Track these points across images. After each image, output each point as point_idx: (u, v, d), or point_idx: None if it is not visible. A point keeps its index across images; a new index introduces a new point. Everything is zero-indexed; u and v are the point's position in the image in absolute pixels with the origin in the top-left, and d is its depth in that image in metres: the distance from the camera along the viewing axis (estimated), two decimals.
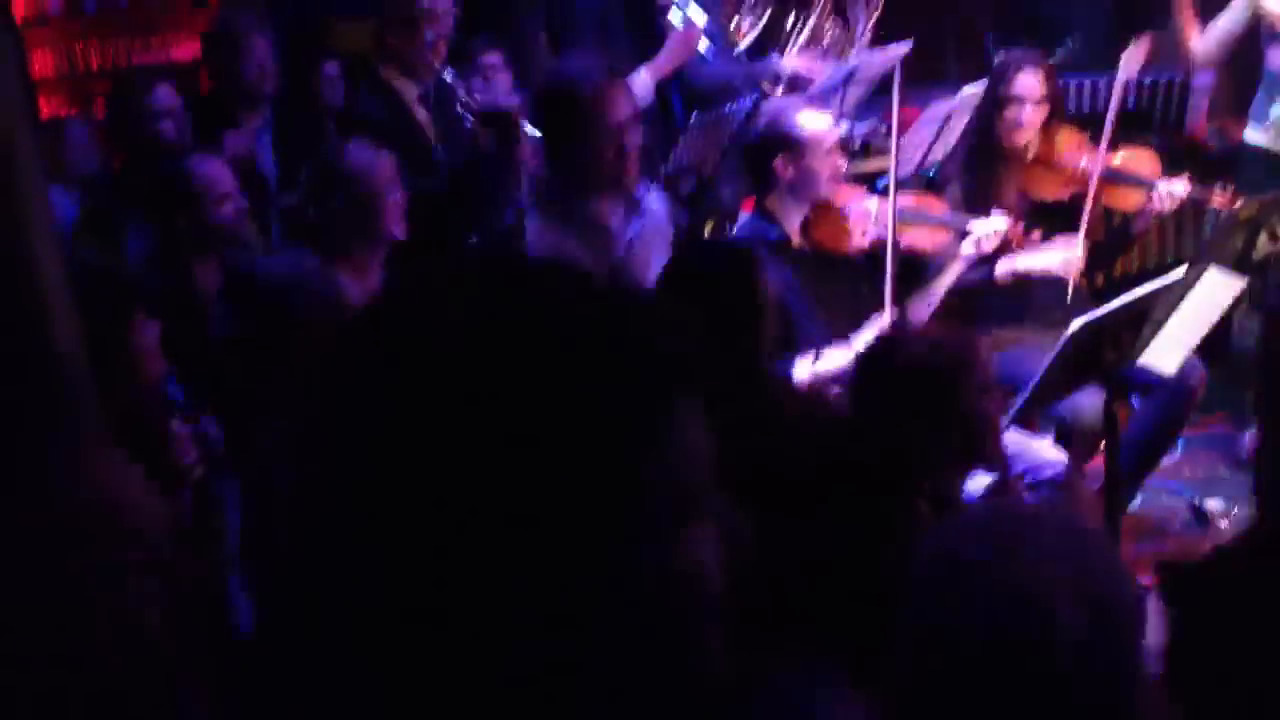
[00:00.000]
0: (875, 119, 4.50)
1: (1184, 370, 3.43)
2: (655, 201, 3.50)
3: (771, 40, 4.69)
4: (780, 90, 4.38)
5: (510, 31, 4.81)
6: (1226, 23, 4.20)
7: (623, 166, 3.23)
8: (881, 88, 4.17)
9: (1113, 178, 3.83)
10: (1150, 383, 3.50)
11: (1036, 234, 3.70)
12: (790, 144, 3.43)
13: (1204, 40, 4.20)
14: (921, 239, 3.70)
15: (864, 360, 2.50)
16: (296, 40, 4.42)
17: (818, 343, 3.30)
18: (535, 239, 3.19)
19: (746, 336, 2.54)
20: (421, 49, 3.80)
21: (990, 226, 3.62)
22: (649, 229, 3.41)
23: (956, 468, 2.41)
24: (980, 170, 3.82)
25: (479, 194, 3.66)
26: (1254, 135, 4.28)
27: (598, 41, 4.40)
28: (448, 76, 3.83)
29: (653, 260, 3.28)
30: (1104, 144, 3.80)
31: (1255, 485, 2.00)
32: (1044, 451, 3.48)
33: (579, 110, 3.16)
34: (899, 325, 3.07)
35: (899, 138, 3.71)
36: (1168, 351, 3.36)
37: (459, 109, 3.81)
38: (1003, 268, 3.68)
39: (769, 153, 3.46)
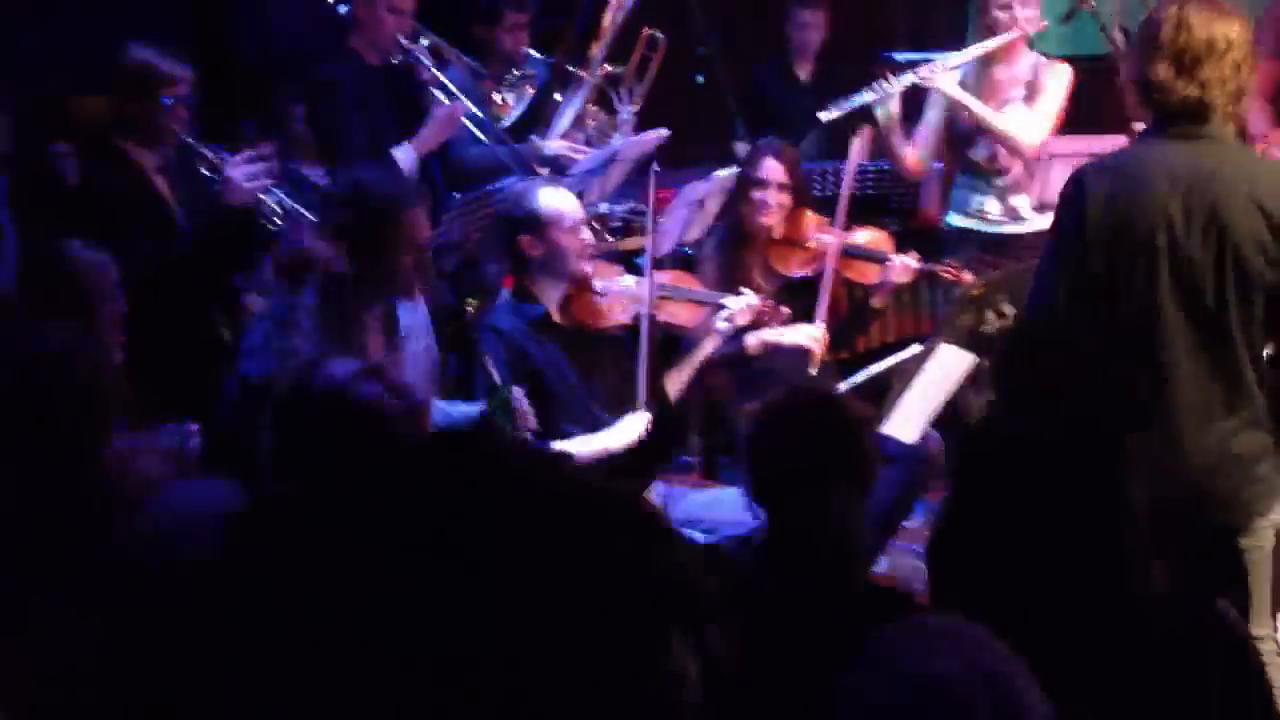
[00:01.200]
0: (634, 200, 4.64)
1: (923, 439, 3.64)
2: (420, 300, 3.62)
3: (537, 123, 4.79)
4: (545, 171, 4.47)
5: (268, 107, 4.77)
6: (926, 128, 4.44)
7: (416, 276, 3.41)
8: (640, 170, 4.31)
9: (850, 253, 4.08)
10: (891, 452, 3.69)
11: (786, 310, 3.89)
12: (532, 222, 3.52)
13: (914, 153, 4.42)
14: (679, 315, 3.84)
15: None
16: (31, 117, 4.28)
17: (584, 417, 3.37)
18: (311, 325, 3.20)
19: None
20: (159, 116, 3.71)
21: (743, 302, 3.78)
22: (416, 324, 3.52)
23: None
24: (731, 249, 4.03)
25: (223, 259, 3.65)
26: (958, 220, 4.52)
27: (359, 117, 4.41)
28: (189, 139, 3.77)
29: (420, 353, 3.39)
30: (839, 221, 4.06)
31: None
32: None
33: (392, 224, 3.29)
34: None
35: (656, 217, 3.87)
36: (907, 422, 3.57)
37: (205, 169, 3.76)
38: (752, 341, 3.86)
39: (513, 231, 3.55)
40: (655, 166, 3.83)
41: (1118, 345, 2.73)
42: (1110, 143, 3.86)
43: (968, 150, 4.43)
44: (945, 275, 4.16)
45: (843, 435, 2.28)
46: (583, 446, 3.31)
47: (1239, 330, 2.70)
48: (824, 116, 4.31)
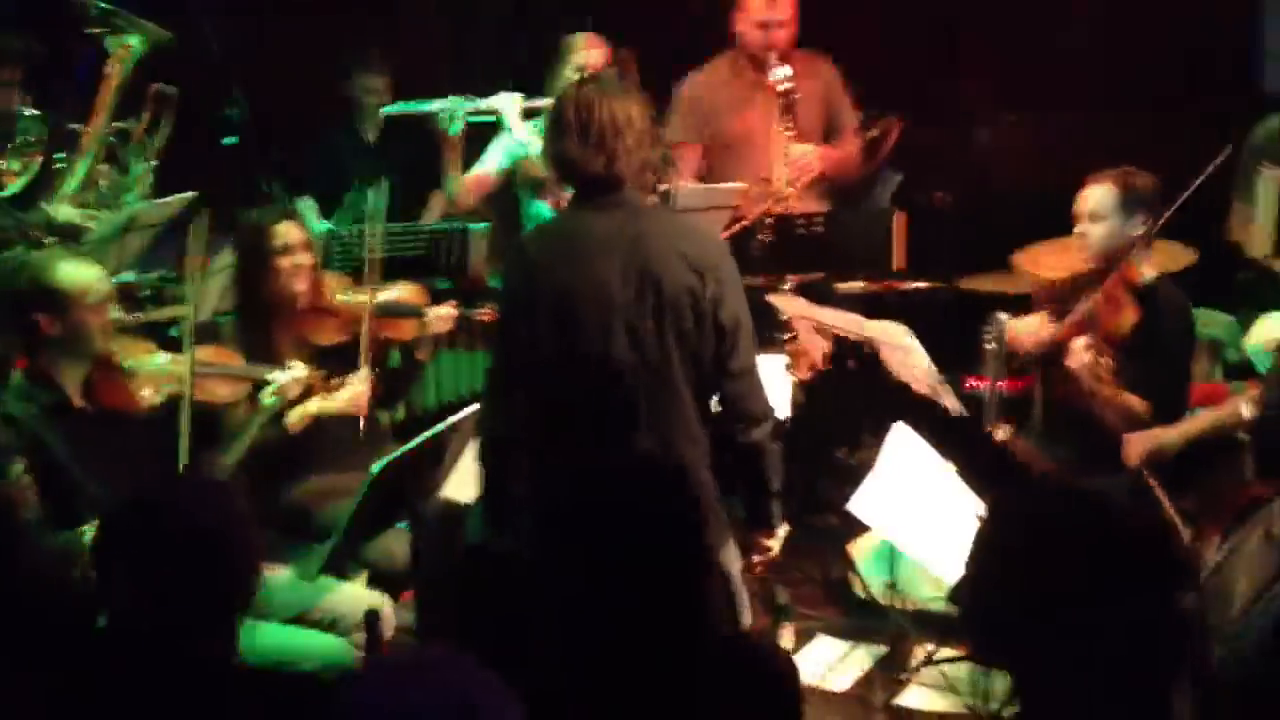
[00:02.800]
0: (166, 267, 4.34)
1: None
2: None
3: (44, 188, 4.38)
4: (50, 240, 4.09)
5: None
6: (483, 169, 4.61)
7: None
8: (171, 233, 4.05)
9: (384, 312, 3.97)
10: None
11: (335, 380, 3.73)
12: (50, 298, 3.20)
13: (467, 183, 4.56)
14: (219, 391, 3.59)
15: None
16: None
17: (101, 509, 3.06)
18: None
19: None
20: None
21: (290, 375, 3.60)
22: None
23: None
24: (254, 322, 3.78)
25: None
26: None
27: None
28: None
29: None
30: (368, 279, 3.90)
31: None
32: (356, 596, 3.50)
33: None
34: None
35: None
36: (466, 483, 3.52)
37: None
38: (294, 418, 3.65)
39: (28, 309, 3.20)
40: (193, 230, 3.58)
41: (572, 404, 2.93)
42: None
43: (540, 198, 4.54)
44: (485, 318, 4.18)
45: None
46: None
47: (684, 382, 2.95)
48: (389, 111, 4.48)
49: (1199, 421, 3.61)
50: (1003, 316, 3.78)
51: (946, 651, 3.92)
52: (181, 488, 2.30)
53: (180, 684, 1.94)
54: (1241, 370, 4.54)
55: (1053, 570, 1.72)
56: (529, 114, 4.56)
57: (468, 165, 4.62)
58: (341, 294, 3.93)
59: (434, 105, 4.45)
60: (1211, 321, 4.63)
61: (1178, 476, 3.58)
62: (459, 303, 4.14)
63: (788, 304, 4.22)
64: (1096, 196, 3.85)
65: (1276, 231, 4.26)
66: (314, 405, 3.65)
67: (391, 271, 4.08)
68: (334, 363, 3.78)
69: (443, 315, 4.05)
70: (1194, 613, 1.70)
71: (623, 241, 2.92)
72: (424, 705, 1.36)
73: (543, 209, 4.61)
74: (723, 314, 2.96)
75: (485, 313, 4.19)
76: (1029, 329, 3.95)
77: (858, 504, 3.58)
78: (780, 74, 4.44)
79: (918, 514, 3.60)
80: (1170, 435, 3.57)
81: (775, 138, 4.46)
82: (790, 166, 4.47)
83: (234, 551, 2.05)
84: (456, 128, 4.43)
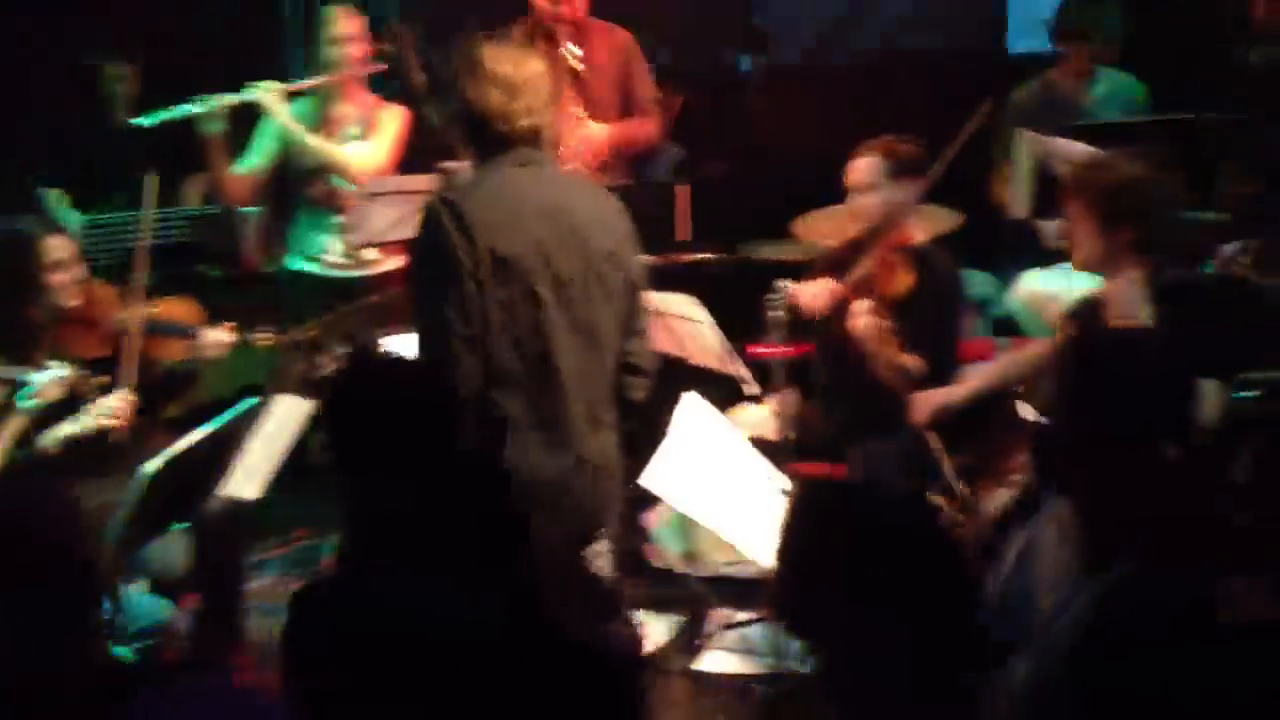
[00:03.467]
0: None
1: None
2: None
3: None
4: None
5: None
6: (252, 163, 4.45)
7: None
8: None
9: (155, 329, 3.77)
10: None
11: (97, 379, 3.53)
12: None
13: (239, 176, 4.42)
14: None
15: None
16: None
17: None
18: None
19: None
20: None
21: (50, 376, 3.40)
22: None
23: None
24: (16, 333, 3.53)
25: None
26: (298, 264, 4.53)
27: None
28: None
29: None
30: (136, 294, 3.72)
31: None
32: (141, 602, 3.35)
33: None
34: None
35: None
36: (249, 479, 3.39)
37: None
38: (49, 440, 3.41)
39: None
40: None
41: (510, 370, 2.83)
42: (421, 182, 3.96)
43: (306, 187, 4.43)
44: (262, 342, 4.01)
45: None
46: None
47: (609, 347, 2.92)
48: (141, 122, 4.23)
49: (978, 379, 3.75)
50: (786, 283, 3.85)
51: (744, 616, 3.99)
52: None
53: None
54: (1006, 327, 4.75)
55: (839, 567, 1.79)
56: (293, 95, 4.41)
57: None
58: (110, 306, 3.70)
59: (187, 109, 4.23)
60: (976, 281, 4.83)
61: (955, 432, 3.71)
62: (237, 326, 3.95)
63: None
64: (864, 168, 3.96)
65: (1035, 192, 4.45)
66: (66, 429, 3.42)
67: (159, 259, 3.87)
68: (97, 373, 3.57)
69: (218, 340, 3.87)
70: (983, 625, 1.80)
71: (550, 202, 2.85)
72: None
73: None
74: (633, 273, 2.98)
75: (264, 337, 4.01)
76: (811, 294, 4.04)
77: (650, 477, 3.59)
78: (570, 52, 4.41)
79: (711, 483, 3.64)
80: (953, 394, 3.70)
81: (565, 115, 4.43)
82: (581, 143, 4.45)
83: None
84: (216, 126, 4.25)
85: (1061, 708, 2.02)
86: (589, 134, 4.49)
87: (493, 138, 2.86)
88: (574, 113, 4.44)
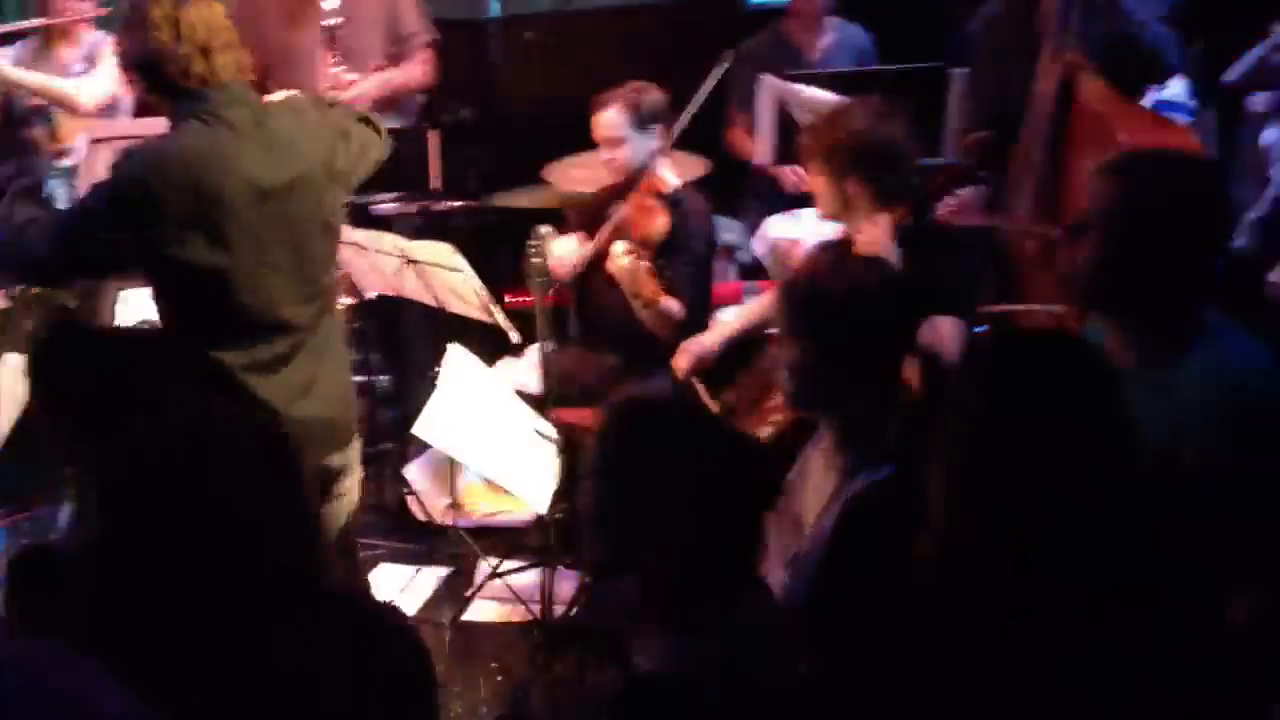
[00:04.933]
0: None
1: None
2: None
3: None
4: None
5: None
6: None
7: None
8: None
9: None
10: None
11: None
12: None
13: None
14: None
15: None
16: None
17: None
18: None
19: None
20: None
21: None
22: None
23: None
24: None
25: None
26: None
27: None
28: None
29: None
30: None
31: None
32: None
33: None
34: None
35: None
36: None
37: None
38: None
39: None
40: None
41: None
42: (151, 126, 3.73)
43: (24, 130, 4.32)
44: None
45: None
46: None
47: (331, 291, 2.91)
48: None
49: (732, 324, 3.84)
50: (545, 229, 3.83)
51: (510, 564, 3.99)
52: None
53: None
54: (753, 271, 4.89)
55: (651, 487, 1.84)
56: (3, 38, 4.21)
57: None
58: None
59: None
60: (725, 227, 4.94)
61: (712, 374, 3.80)
62: None
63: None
64: (608, 120, 3.97)
65: (776, 141, 4.57)
66: None
67: None
68: None
69: None
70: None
71: (262, 148, 2.73)
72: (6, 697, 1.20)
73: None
74: (336, 219, 2.93)
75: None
76: (567, 251, 4.04)
77: (422, 427, 3.54)
78: (328, 5, 4.24)
79: (481, 433, 3.62)
80: (711, 339, 3.78)
81: (321, 67, 4.27)
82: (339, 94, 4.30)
83: None
84: None
85: (812, 619, 2.15)
86: (351, 93, 4.32)
87: (172, 81, 2.71)
88: (329, 66, 4.28)
